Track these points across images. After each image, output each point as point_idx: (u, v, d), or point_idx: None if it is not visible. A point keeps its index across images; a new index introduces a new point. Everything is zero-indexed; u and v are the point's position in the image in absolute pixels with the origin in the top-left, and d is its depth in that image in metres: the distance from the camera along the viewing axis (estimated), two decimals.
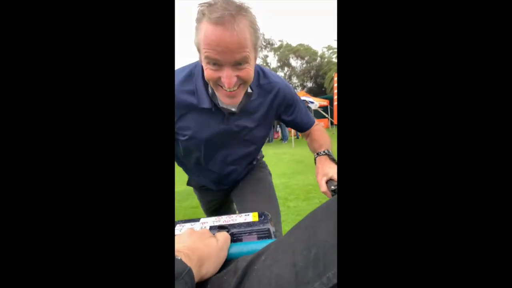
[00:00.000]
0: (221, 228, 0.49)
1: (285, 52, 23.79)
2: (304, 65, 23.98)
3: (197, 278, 0.33)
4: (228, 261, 0.40)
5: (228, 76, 0.61)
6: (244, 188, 0.97)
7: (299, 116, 0.86)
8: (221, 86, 0.65)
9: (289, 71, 24.37)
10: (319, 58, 22.98)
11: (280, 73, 23.95)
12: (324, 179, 0.69)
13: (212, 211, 1.10)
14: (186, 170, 0.98)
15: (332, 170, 0.70)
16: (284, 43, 24.17)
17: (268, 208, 0.89)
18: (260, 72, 0.78)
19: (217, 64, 0.61)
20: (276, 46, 24.32)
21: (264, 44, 24.88)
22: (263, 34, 24.95)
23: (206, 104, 0.73)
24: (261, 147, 0.95)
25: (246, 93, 0.73)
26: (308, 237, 0.30)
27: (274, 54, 24.28)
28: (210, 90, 0.72)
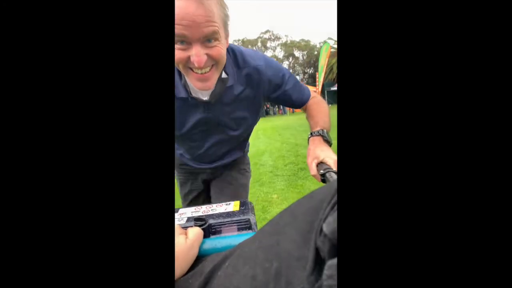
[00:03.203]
0: (197, 220, 0.45)
1: (290, 46, 30.42)
2: (305, 57, 30.52)
3: None
4: (201, 257, 0.37)
5: (197, 54, 0.56)
6: (222, 189, 0.96)
7: (288, 94, 0.78)
8: (192, 69, 0.60)
9: (293, 61, 31.01)
10: (316, 52, 29.50)
11: (286, 62, 30.72)
12: (315, 161, 0.66)
13: (190, 201, 1.05)
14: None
15: (323, 153, 0.66)
16: (289, 39, 30.82)
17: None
18: (239, 55, 0.71)
19: (185, 42, 0.56)
20: (283, 41, 30.97)
21: (273, 38, 31.53)
22: (272, 31, 31.65)
23: (181, 93, 0.69)
24: (248, 132, 0.89)
25: (221, 79, 0.68)
26: (271, 245, 0.27)
27: (281, 48, 30.93)
28: (183, 80, 0.68)
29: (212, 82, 0.63)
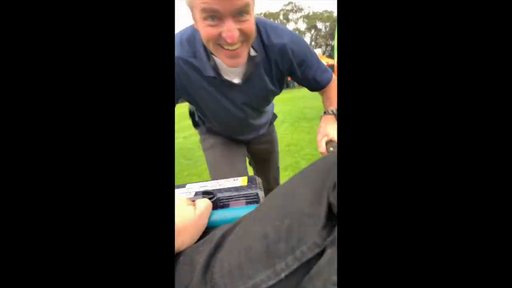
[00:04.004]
0: (205, 194, 0.45)
1: (313, 18, 30.13)
2: (328, 28, 30.21)
3: None
4: (210, 228, 0.37)
5: (229, 29, 0.53)
6: (261, 153, 1.05)
7: (311, 73, 0.75)
8: (222, 46, 0.58)
9: (315, 33, 30.81)
10: None
11: (308, 34, 30.62)
12: (325, 139, 0.66)
13: (226, 160, 0.99)
14: (207, 122, 0.92)
15: (334, 132, 0.65)
16: (311, 10, 30.44)
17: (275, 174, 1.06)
18: (263, 32, 0.67)
19: (216, 17, 0.53)
20: (305, 13, 30.67)
21: (295, 9, 31.28)
22: (294, 2, 31.31)
23: (210, 72, 0.66)
24: (272, 100, 0.88)
25: (250, 57, 0.66)
26: (283, 205, 0.28)
27: (303, 20, 30.71)
28: (211, 61, 0.65)
29: (243, 59, 0.61)
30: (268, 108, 0.90)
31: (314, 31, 30.92)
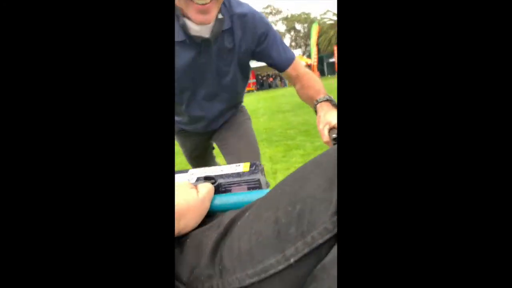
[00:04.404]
0: (207, 179, 0.46)
1: (291, 20, 31.32)
2: (306, 30, 31.45)
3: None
4: (212, 213, 0.38)
5: None
6: (225, 133, 0.97)
7: (274, 49, 0.78)
8: (192, 0, 0.61)
9: (294, 34, 32.01)
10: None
11: (287, 35, 31.79)
12: (327, 127, 0.64)
13: (194, 157, 1.08)
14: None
15: (334, 118, 0.64)
16: (290, 13, 31.63)
17: (249, 151, 0.93)
18: (226, 1, 0.72)
19: None
20: (284, 16, 31.83)
21: (274, 11, 32.40)
22: (273, 5, 32.43)
23: (179, 36, 0.70)
24: (239, 95, 0.90)
25: (218, 19, 0.69)
26: (294, 191, 0.27)
27: (282, 22, 31.85)
28: (181, 21, 0.68)
29: (212, 16, 0.64)
30: (233, 94, 0.89)
31: (294, 33, 32.11)
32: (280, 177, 2.18)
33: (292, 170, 2.13)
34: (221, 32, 0.72)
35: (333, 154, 0.28)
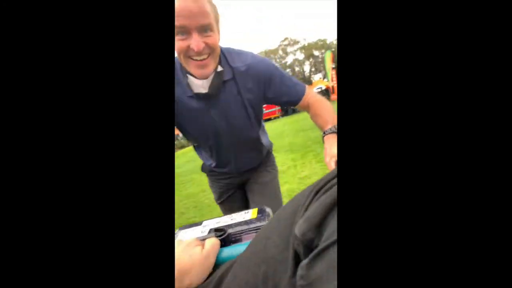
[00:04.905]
0: (217, 231, 0.47)
1: (309, 48, 33.15)
2: (327, 52, 32.95)
3: None
4: (220, 265, 0.38)
5: (196, 40, 0.67)
6: (252, 190, 1.04)
7: (283, 90, 0.83)
8: (191, 58, 0.70)
9: (313, 60, 33.65)
10: (333, 48, 31.85)
11: (307, 62, 33.50)
12: (334, 160, 0.67)
13: (224, 200, 1.10)
14: (200, 155, 1.03)
15: None
16: (307, 42, 33.58)
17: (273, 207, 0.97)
18: (227, 55, 0.80)
19: (184, 32, 0.67)
20: (301, 45, 33.82)
21: (292, 42, 34.50)
22: (290, 37, 34.58)
23: (188, 92, 0.78)
24: (255, 136, 0.94)
25: (217, 72, 0.76)
26: (259, 250, 0.28)
27: (301, 51, 33.77)
28: (188, 79, 0.76)
29: (210, 69, 0.73)
30: (256, 140, 0.95)
31: (312, 59, 33.78)
32: (298, 168, 3.24)
33: (307, 166, 3.44)
34: (223, 83, 0.79)
35: (288, 209, 0.29)
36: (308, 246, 0.23)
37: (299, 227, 0.24)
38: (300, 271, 0.21)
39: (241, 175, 1.05)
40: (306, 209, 0.25)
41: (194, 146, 1.05)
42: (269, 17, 58.57)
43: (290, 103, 0.86)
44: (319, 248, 0.21)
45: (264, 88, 0.82)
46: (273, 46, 35.55)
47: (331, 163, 0.66)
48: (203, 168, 1.09)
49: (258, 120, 0.92)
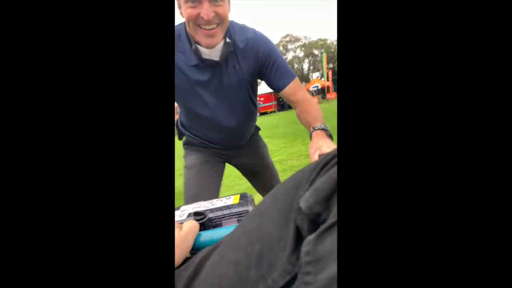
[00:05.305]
0: (196, 214, 0.46)
1: (309, 47, 33.91)
2: (323, 54, 33.75)
3: None
4: (199, 250, 0.37)
5: (206, 8, 0.68)
6: (246, 159, 1.07)
7: (273, 70, 0.85)
8: (200, 26, 0.72)
9: (312, 59, 34.45)
10: (333, 49, 32.65)
11: (306, 60, 34.31)
12: (317, 153, 0.68)
13: (203, 167, 1.03)
14: (190, 128, 1.02)
15: (326, 145, 0.69)
16: (307, 40, 34.30)
17: (273, 182, 1.07)
18: (231, 28, 0.82)
19: (195, 0, 0.68)
20: (302, 43, 34.55)
21: (293, 39, 35.21)
22: (291, 34, 35.38)
23: (192, 61, 0.80)
24: (254, 103, 0.95)
25: (226, 42, 0.79)
26: (252, 229, 0.27)
27: (301, 49, 34.51)
28: (193, 47, 0.78)
29: (218, 39, 0.76)
30: (247, 118, 0.97)
31: (312, 57, 34.59)
32: (288, 148, 4.15)
33: (295, 147, 4.34)
34: (230, 54, 0.81)
35: (287, 185, 0.28)
36: (314, 221, 0.22)
37: (306, 200, 0.23)
38: (306, 247, 0.20)
39: (229, 150, 1.05)
40: (311, 183, 0.24)
41: (179, 117, 1.05)
42: (272, 12, 59.03)
43: (273, 86, 0.88)
44: (329, 222, 0.20)
45: (260, 62, 0.85)
46: (274, 41, 36.15)
47: (315, 154, 0.68)
48: (181, 134, 1.07)
49: (254, 92, 0.95)
